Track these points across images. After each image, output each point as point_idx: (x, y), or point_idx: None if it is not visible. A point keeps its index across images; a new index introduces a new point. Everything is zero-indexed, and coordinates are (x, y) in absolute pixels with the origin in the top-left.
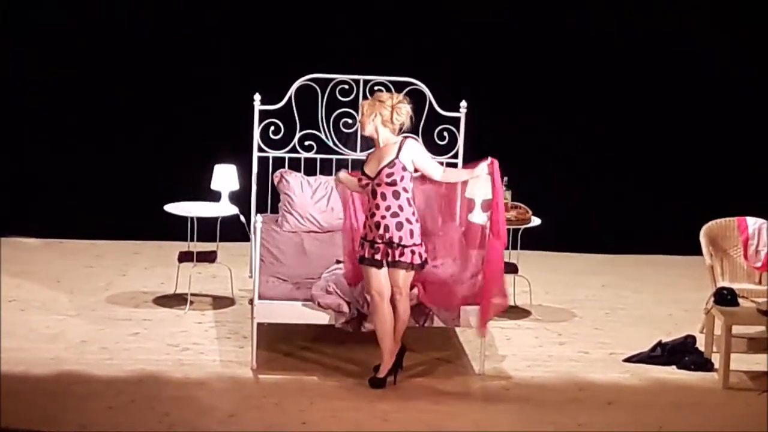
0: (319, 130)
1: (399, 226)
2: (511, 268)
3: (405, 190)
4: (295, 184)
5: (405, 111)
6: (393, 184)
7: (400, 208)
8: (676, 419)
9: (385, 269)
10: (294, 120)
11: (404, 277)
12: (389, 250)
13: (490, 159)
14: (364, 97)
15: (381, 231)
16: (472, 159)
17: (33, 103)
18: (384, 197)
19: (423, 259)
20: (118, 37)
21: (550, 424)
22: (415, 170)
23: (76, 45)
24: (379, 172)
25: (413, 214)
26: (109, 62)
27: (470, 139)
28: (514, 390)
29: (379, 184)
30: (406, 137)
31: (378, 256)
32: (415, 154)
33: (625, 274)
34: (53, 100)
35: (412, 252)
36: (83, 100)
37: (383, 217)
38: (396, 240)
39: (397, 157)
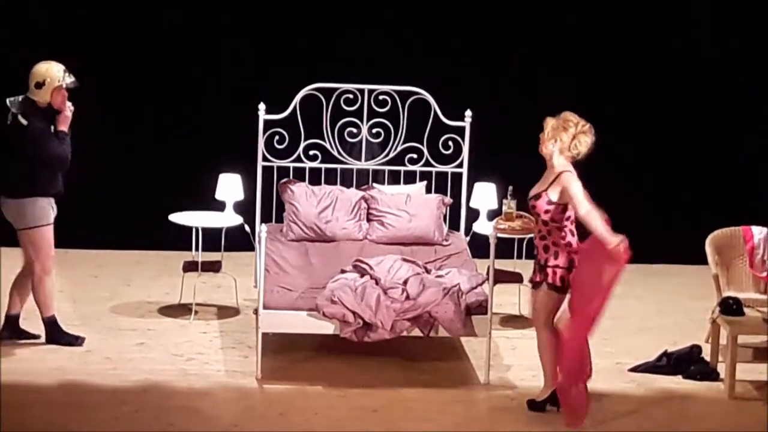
0: (324, 140)
1: (545, 249)
2: (516, 278)
3: (553, 220)
4: (300, 194)
5: (585, 143)
6: (537, 215)
7: (549, 232)
8: (681, 429)
9: (541, 290)
10: (299, 129)
11: (545, 297)
12: (539, 273)
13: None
14: (369, 107)
15: (535, 251)
16: (477, 169)
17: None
18: (536, 221)
19: (565, 283)
20: (120, 47)
21: None
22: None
23: (80, 55)
24: (529, 199)
25: (562, 239)
26: (112, 72)
27: (475, 148)
28: (519, 400)
29: (531, 209)
30: (563, 171)
31: (533, 277)
32: (564, 189)
33: (631, 284)
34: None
35: (554, 272)
36: (87, 109)
37: (535, 238)
38: (542, 261)
39: (545, 190)
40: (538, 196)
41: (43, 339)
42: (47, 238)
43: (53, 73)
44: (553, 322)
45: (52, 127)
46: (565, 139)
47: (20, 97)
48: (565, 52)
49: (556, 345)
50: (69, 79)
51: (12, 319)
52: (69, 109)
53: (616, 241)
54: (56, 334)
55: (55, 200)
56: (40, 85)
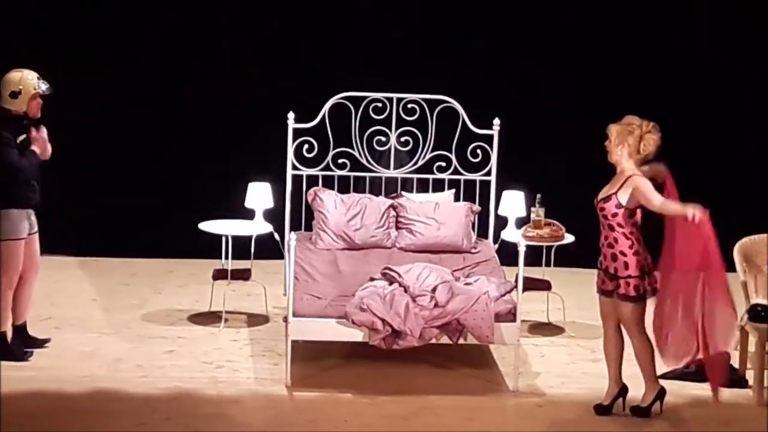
0: (353, 148)
1: (614, 257)
2: (545, 285)
3: (619, 225)
4: (329, 202)
5: (653, 141)
6: (605, 218)
7: (615, 240)
8: None
9: (606, 298)
10: (328, 138)
11: (625, 309)
12: (609, 281)
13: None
14: (397, 115)
15: (601, 259)
16: (505, 177)
17: (67, 122)
18: (603, 226)
19: (641, 291)
20: (152, 57)
21: None
22: (637, 203)
23: (109, 65)
24: (597, 202)
25: (630, 247)
26: (143, 82)
27: (503, 156)
28: (547, 407)
29: (599, 211)
30: (631, 175)
31: (601, 285)
32: (635, 192)
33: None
34: (88, 119)
35: (627, 284)
36: (117, 119)
37: (602, 246)
38: (612, 271)
39: (615, 193)
40: (607, 198)
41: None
42: (16, 252)
43: (27, 81)
44: (644, 327)
45: (21, 137)
46: (632, 142)
47: None
48: (595, 58)
49: (651, 348)
50: (44, 86)
51: (19, 330)
52: (43, 134)
53: (692, 209)
54: (5, 351)
55: (35, 212)
56: (15, 95)
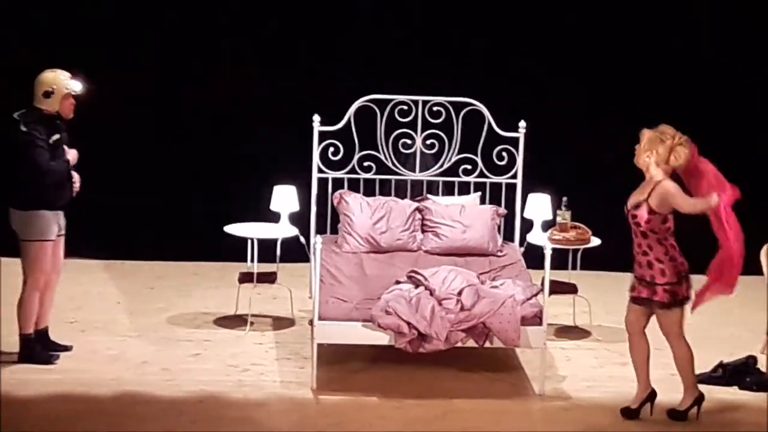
0: (379, 151)
1: (649, 265)
2: (571, 289)
3: (653, 232)
4: (355, 205)
5: (684, 155)
6: (638, 225)
7: (649, 247)
8: None
9: (636, 306)
10: (353, 141)
11: (664, 317)
12: (644, 289)
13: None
14: (423, 118)
15: (636, 266)
16: (531, 179)
17: (94, 122)
18: (636, 234)
19: (679, 297)
20: (179, 60)
21: None
22: (669, 208)
23: (134, 68)
24: (628, 210)
25: (665, 254)
26: (170, 84)
27: (529, 159)
28: (574, 411)
29: (631, 219)
30: (660, 181)
31: (633, 293)
32: (665, 197)
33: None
34: (114, 122)
35: (665, 291)
36: (145, 121)
37: (636, 254)
38: (648, 278)
39: (646, 200)
40: (638, 206)
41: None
42: (45, 253)
43: (60, 81)
44: (683, 333)
45: (54, 137)
46: (662, 152)
47: (25, 110)
48: (620, 60)
49: (691, 354)
50: (77, 86)
51: (40, 334)
52: (73, 151)
53: (711, 199)
54: (31, 353)
55: (63, 213)
56: (48, 94)
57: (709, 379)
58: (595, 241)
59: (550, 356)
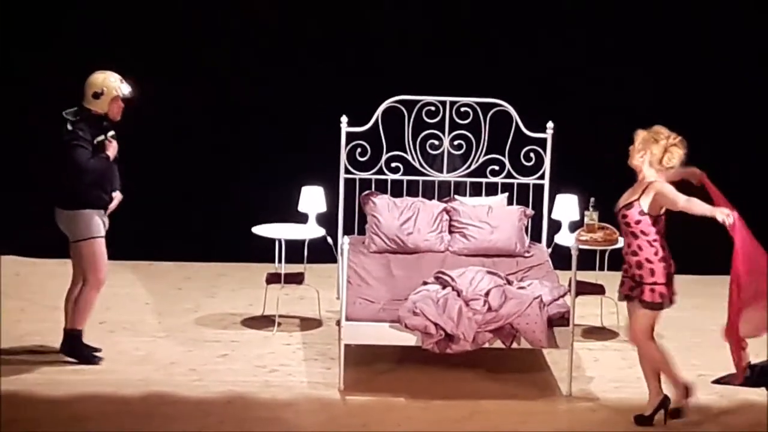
0: (406, 152)
1: (639, 265)
2: (598, 289)
3: (643, 233)
4: (382, 206)
5: (678, 155)
6: (627, 225)
7: (639, 247)
8: None
9: (631, 307)
10: (381, 142)
11: (640, 314)
12: (635, 287)
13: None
14: (450, 119)
15: (626, 267)
16: (558, 180)
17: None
18: (626, 234)
19: (663, 299)
20: (204, 62)
21: None
22: (660, 208)
23: (162, 69)
24: (619, 210)
25: (655, 254)
26: (198, 86)
27: (557, 159)
28: (601, 412)
29: (620, 219)
30: (653, 182)
31: (625, 291)
32: (658, 197)
33: (716, 295)
34: (141, 123)
35: (652, 290)
36: (172, 123)
37: (626, 254)
38: (637, 278)
39: (637, 199)
40: (629, 206)
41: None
42: (101, 250)
43: (110, 83)
44: (652, 335)
45: (99, 138)
46: (656, 152)
47: (74, 108)
48: (647, 60)
49: (660, 356)
50: (126, 90)
51: (74, 335)
52: (114, 143)
53: (720, 212)
54: (77, 348)
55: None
56: (97, 95)
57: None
58: (622, 242)
59: (577, 357)
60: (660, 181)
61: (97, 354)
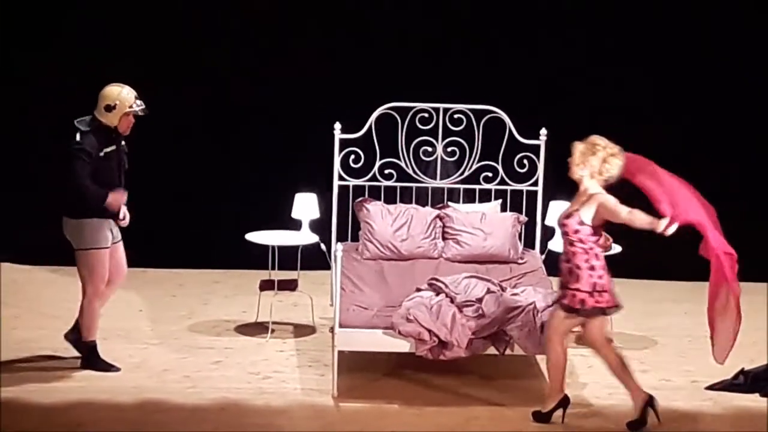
0: (399, 159)
1: (569, 272)
2: None
3: (581, 241)
4: (376, 213)
5: (616, 165)
6: (566, 234)
7: (573, 254)
8: None
9: (560, 311)
10: (374, 148)
11: (555, 315)
12: (563, 294)
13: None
14: (444, 125)
15: (561, 275)
16: (552, 187)
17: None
18: (564, 243)
19: (583, 306)
20: (197, 67)
21: None
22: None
23: (154, 75)
24: (559, 219)
25: (585, 261)
26: (189, 92)
27: (550, 166)
28: (594, 418)
29: (560, 228)
30: (595, 194)
31: (557, 297)
32: (600, 209)
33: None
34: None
35: (573, 296)
36: (166, 129)
37: (561, 261)
38: (565, 282)
39: (577, 210)
40: (569, 216)
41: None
42: (102, 261)
43: (124, 97)
44: (563, 340)
45: (108, 149)
46: (595, 164)
47: (88, 117)
48: (643, 66)
49: (564, 361)
50: (139, 106)
51: (88, 347)
52: (124, 209)
53: (661, 222)
54: (93, 360)
55: (113, 221)
56: (110, 108)
57: (731, 386)
58: (616, 249)
59: (570, 363)
60: (602, 193)
61: (115, 366)
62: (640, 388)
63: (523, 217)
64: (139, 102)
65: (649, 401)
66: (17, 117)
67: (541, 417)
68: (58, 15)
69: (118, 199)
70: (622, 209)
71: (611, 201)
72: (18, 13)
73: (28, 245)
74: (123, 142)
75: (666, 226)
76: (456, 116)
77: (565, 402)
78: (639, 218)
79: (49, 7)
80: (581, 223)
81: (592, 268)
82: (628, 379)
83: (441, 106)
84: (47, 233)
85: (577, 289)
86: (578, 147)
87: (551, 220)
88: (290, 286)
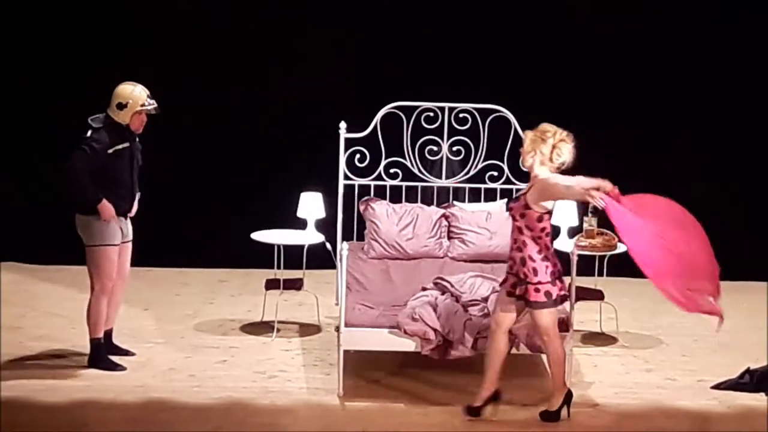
0: (405, 158)
1: (522, 261)
2: (597, 295)
3: (528, 228)
4: (381, 212)
5: (566, 150)
6: (513, 219)
7: (524, 243)
8: None
9: (508, 300)
10: (379, 148)
11: (539, 316)
12: (519, 285)
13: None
14: (449, 124)
15: (510, 262)
16: None
17: None
18: (513, 230)
19: (553, 297)
20: (201, 67)
21: None
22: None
23: (159, 74)
24: (507, 203)
25: (538, 252)
26: (194, 91)
27: None
28: (600, 418)
29: (508, 212)
30: (538, 175)
31: (503, 285)
32: (541, 190)
33: None
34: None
35: (537, 290)
36: (170, 129)
37: (511, 249)
38: (521, 276)
39: (524, 194)
40: (516, 200)
41: (133, 356)
42: (110, 258)
43: (136, 96)
44: (558, 332)
45: (118, 147)
46: (545, 151)
47: (102, 115)
48: (649, 65)
49: (564, 354)
50: (151, 105)
51: (93, 344)
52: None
53: (592, 196)
54: (98, 358)
55: (125, 218)
56: (122, 106)
57: (736, 385)
58: (622, 248)
59: (576, 363)
60: (545, 174)
61: (130, 356)
62: (565, 383)
63: None
64: (151, 101)
65: (568, 398)
66: (20, 116)
67: (550, 416)
68: (57, 14)
69: (108, 210)
70: (560, 185)
71: (552, 179)
72: (18, 13)
73: (32, 244)
74: (137, 140)
75: (598, 198)
76: (461, 115)
77: (568, 397)
78: (577, 186)
79: (49, 7)
80: (526, 206)
81: (546, 258)
82: (562, 373)
83: (446, 105)
84: (51, 232)
85: (540, 282)
86: (528, 135)
87: (557, 220)
88: (296, 285)
